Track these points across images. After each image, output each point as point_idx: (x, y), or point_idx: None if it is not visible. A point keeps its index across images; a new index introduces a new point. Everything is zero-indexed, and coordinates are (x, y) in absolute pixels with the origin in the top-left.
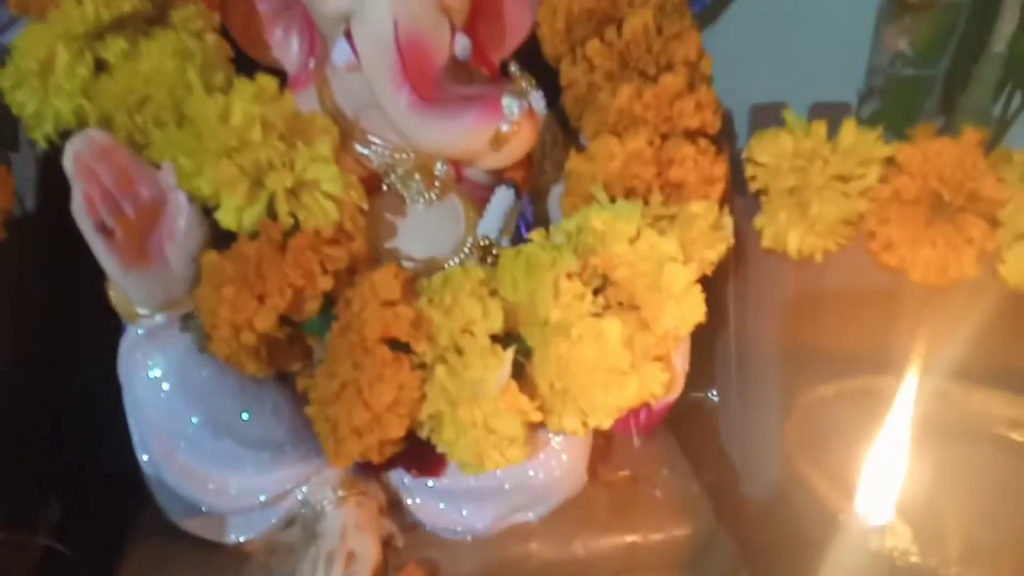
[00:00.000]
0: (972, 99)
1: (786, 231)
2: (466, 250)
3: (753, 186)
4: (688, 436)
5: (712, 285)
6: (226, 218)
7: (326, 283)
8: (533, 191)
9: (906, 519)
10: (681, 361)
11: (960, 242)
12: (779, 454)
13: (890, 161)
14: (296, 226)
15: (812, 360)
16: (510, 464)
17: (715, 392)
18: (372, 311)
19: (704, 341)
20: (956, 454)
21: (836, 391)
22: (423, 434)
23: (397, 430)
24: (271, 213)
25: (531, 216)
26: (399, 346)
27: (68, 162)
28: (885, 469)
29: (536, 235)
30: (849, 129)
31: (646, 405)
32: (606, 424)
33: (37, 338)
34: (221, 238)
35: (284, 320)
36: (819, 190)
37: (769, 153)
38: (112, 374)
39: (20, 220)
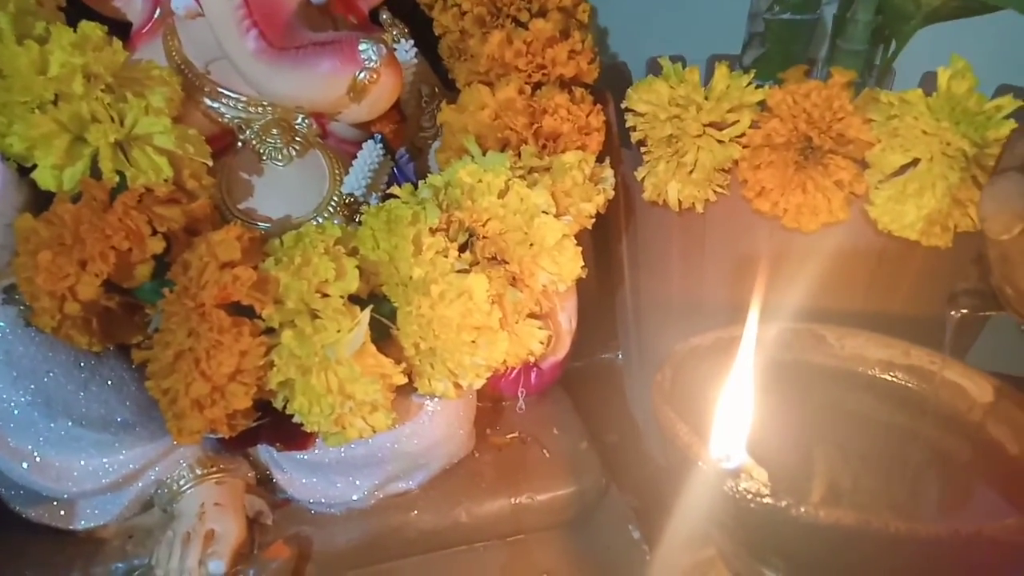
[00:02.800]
0: (848, 43)
1: (666, 182)
2: (330, 209)
3: (634, 137)
4: (595, 397)
5: (609, 243)
6: (44, 178)
7: (156, 245)
8: (412, 148)
9: (768, 463)
10: (567, 320)
11: (830, 185)
12: None
13: (763, 106)
14: (123, 185)
15: (703, 313)
16: (377, 432)
17: (621, 353)
18: (210, 274)
19: (608, 301)
20: (831, 398)
21: (711, 341)
22: (278, 404)
23: (242, 401)
24: (98, 172)
25: (412, 174)
26: (243, 311)
27: None
28: (735, 414)
29: (401, 191)
30: (721, 75)
31: (535, 365)
32: (477, 384)
33: None
34: (47, 202)
35: (114, 288)
36: (694, 138)
37: (646, 102)
38: None
39: None
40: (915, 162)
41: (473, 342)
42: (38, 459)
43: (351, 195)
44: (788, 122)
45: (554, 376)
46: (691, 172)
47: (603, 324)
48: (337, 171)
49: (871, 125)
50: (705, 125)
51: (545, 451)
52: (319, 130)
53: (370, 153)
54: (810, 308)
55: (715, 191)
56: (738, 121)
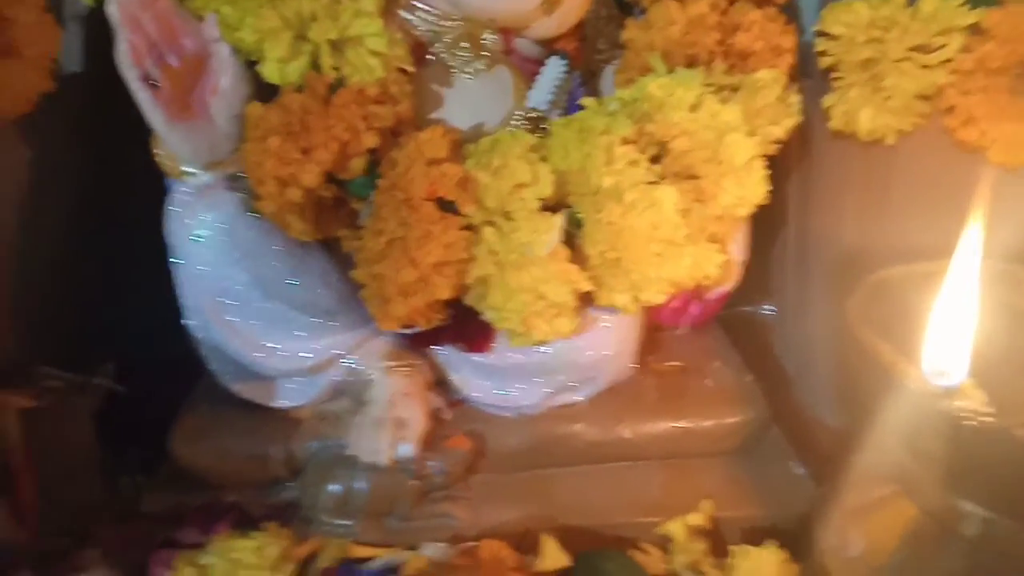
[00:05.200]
0: None
1: (857, 109)
2: (514, 123)
3: (824, 62)
4: (739, 348)
5: (773, 186)
6: (269, 71)
7: (371, 140)
8: (585, 71)
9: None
10: (739, 250)
11: None
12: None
13: (975, 29)
14: (340, 82)
15: (878, 254)
16: (557, 336)
17: (769, 306)
18: (418, 169)
19: (761, 251)
20: None
21: (904, 273)
22: (470, 300)
23: (443, 291)
24: (316, 69)
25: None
26: (446, 207)
27: (112, 8)
28: (954, 329)
29: (589, 102)
30: None
31: (698, 296)
32: (658, 299)
33: (85, 195)
34: (263, 98)
35: (329, 179)
36: (896, 62)
37: (843, 23)
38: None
39: (69, 78)
40: None
41: (659, 255)
42: (253, 337)
43: (535, 109)
44: (1006, 45)
45: (715, 310)
46: (888, 99)
47: (745, 275)
48: (520, 87)
49: None
50: (909, 49)
51: (708, 381)
52: (504, 46)
53: (554, 69)
54: (1006, 251)
55: (912, 121)
56: (945, 45)
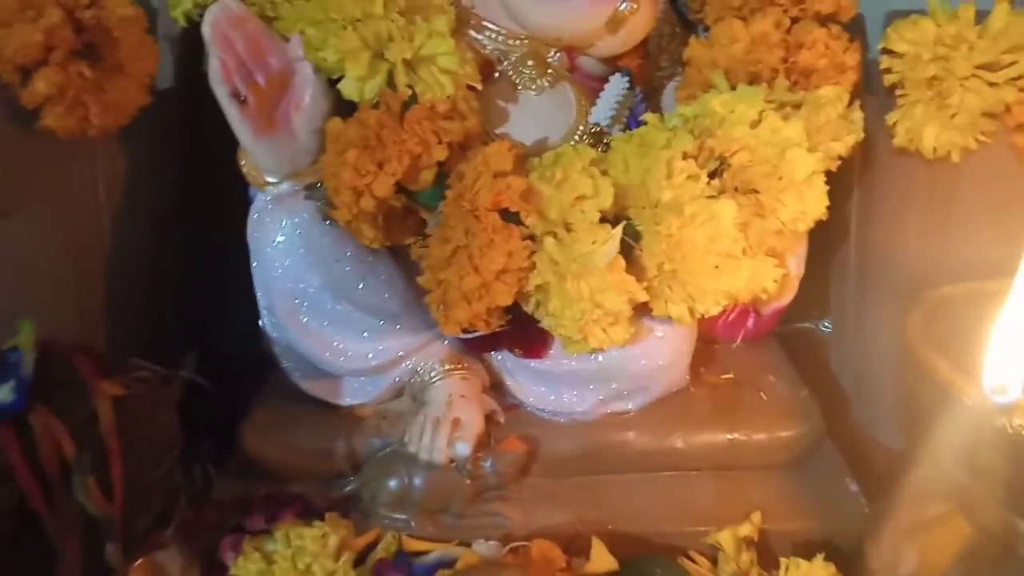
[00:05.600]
0: None
1: (922, 126)
2: (577, 138)
3: (888, 80)
4: (796, 364)
5: (833, 202)
6: (348, 88)
7: (440, 153)
8: (646, 88)
9: None
10: (796, 265)
11: None
12: (896, 371)
13: None
14: (413, 99)
15: (940, 272)
16: (612, 344)
17: (826, 323)
18: (484, 181)
19: (819, 268)
20: None
21: (965, 291)
22: (529, 308)
23: (504, 298)
24: (391, 86)
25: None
26: (510, 218)
27: (206, 28)
28: (1014, 346)
29: (650, 118)
30: (1001, 11)
31: (755, 311)
32: (713, 311)
33: (172, 202)
34: (341, 114)
35: (400, 190)
36: (962, 79)
37: (908, 41)
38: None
39: (161, 93)
40: None
41: (716, 267)
42: (323, 337)
43: (597, 125)
44: None
45: (771, 324)
46: (954, 116)
47: (803, 292)
48: (583, 103)
49: None
50: (976, 67)
51: (762, 394)
52: (568, 64)
53: (617, 85)
54: None
55: (977, 139)
56: (1015, 62)
